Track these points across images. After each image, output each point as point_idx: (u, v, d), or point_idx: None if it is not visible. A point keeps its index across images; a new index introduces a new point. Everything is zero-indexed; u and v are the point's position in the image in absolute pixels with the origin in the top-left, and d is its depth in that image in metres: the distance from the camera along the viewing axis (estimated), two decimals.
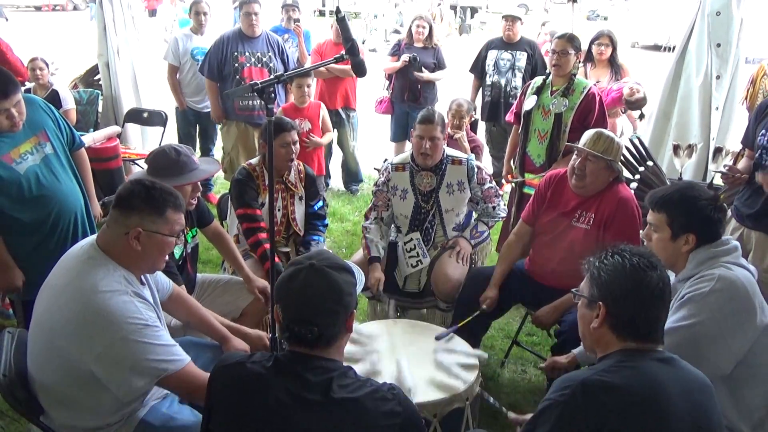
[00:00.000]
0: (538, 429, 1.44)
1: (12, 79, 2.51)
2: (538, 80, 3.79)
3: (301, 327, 1.44)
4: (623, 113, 4.95)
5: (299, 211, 3.30)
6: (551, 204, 2.90)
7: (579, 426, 1.38)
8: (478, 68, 5.34)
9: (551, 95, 3.65)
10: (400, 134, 5.70)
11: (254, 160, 3.26)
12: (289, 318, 1.46)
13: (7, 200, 2.56)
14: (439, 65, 5.43)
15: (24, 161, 2.62)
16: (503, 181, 5.69)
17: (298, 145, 3.22)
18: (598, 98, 3.61)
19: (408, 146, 5.73)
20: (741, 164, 2.97)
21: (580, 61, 3.66)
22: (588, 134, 2.76)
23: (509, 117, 4.07)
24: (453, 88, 6.12)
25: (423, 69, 5.27)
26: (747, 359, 1.87)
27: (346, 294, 1.49)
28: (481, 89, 5.38)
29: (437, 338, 2.50)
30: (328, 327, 1.47)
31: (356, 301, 1.55)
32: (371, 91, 6.01)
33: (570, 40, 3.59)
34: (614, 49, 4.95)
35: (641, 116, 4.70)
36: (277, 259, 2.94)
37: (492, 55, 5.22)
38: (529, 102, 3.70)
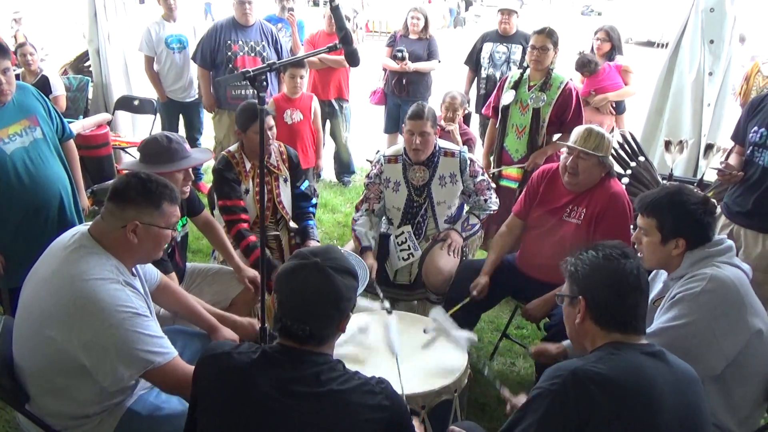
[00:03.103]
0: (528, 417, 1.44)
1: (1, 44, 2.49)
2: (515, 74, 3.80)
3: (293, 323, 1.44)
4: (613, 112, 4.97)
5: (285, 193, 3.27)
6: (543, 199, 2.90)
7: (569, 415, 1.38)
8: (473, 61, 5.33)
9: (529, 90, 3.67)
10: (392, 126, 5.72)
11: (233, 147, 3.23)
12: (283, 312, 1.46)
13: None
14: (431, 56, 5.42)
15: (12, 142, 2.60)
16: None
17: (274, 130, 3.21)
18: (574, 93, 3.64)
19: (401, 138, 5.76)
20: (731, 161, 2.97)
21: (557, 55, 3.67)
22: (578, 131, 2.75)
23: (486, 110, 4.07)
24: (447, 81, 6.10)
25: (407, 59, 5.26)
26: (737, 359, 1.87)
27: (345, 299, 1.47)
28: (476, 82, 5.38)
29: (425, 331, 2.48)
30: (321, 329, 1.46)
31: (354, 305, 1.54)
32: (365, 82, 5.99)
33: (549, 35, 3.60)
34: (613, 46, 4.96)
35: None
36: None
37: (487, 47, 5.20)
38: (507, 97, 3.72)
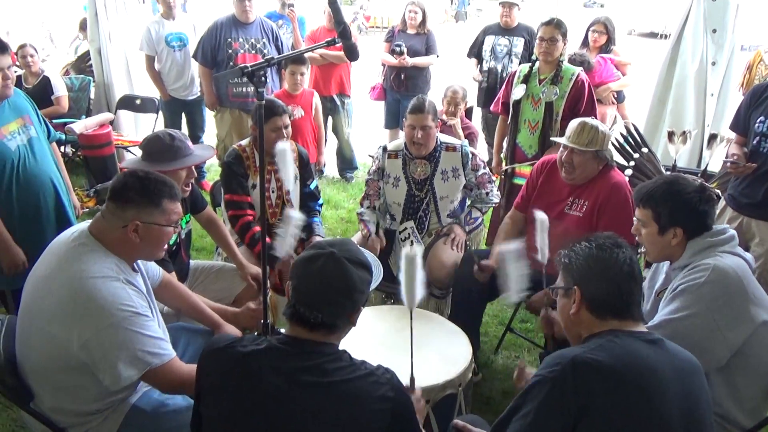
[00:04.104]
0: (527, 405, 1.44)
1: (2, 42, 2.60)
2: (524, 68, 3.73)
3: (306, 309, 1.45)
4: (615, 102, 4.95)
5: (294, 191, 3.27)
6: (543, 191, 2.88)
7: (568, 403, 1.38)
8: (476, 52, 5.31)
9: (540, 84, 3.60)
10: (391, 122, 5.72)
11: (245, 141, 3.22)
12: (296, 298, 1.47)
13: (1, 174, 2.59)
14: (428, 51, 5.41)
15: (13, 139, 2.64)
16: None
17: (290, 129, 3.18)
18: (587, 84, 3.57)
19: (402, 134, 5.75)
20: (731, 150, 2.95)
21: (566, 47, 3.63)
22: (572, 126, 2.72)
23: (495, 107, 4.01)
24: (448, 75, 6.09)
25: (405, 54, 5.25)
26: (742, 350, 1.86)
27: (358, 291, 1.49)
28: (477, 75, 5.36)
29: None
30: (332, 317, 1.47)
31: (366, 299, 1.55)
32: (365, 77, 5.96)
33: (557, 26, 3.53)
34: (609, 38, 4.94)
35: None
36: (269, 241, 2.94)
37: (489, 40, 5.18)
38: (518, 91, 3.65)
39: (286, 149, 2.30)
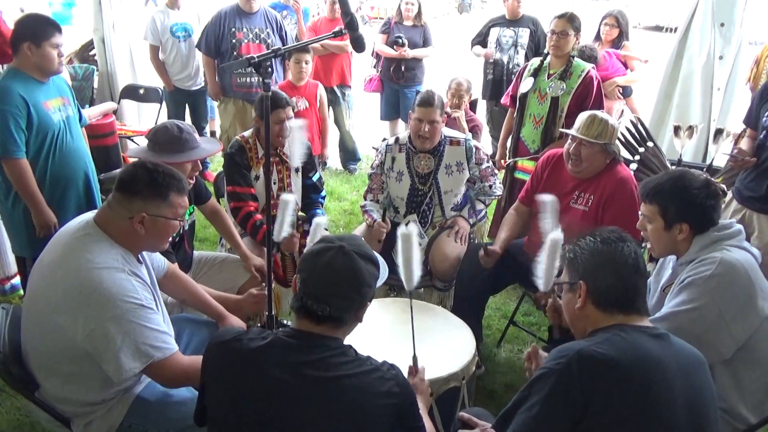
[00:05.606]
0: (533, 396, 1.44)
1: (55, 21, 2.79)
2: (535, 62, 3.67)
3: (313, 302, 1.45)
4: (621, 97, 4.92)
5: (296, 183, 3.26)
6: (548, 184, 2.87)
7: (573, 395, 1.38)
8: (479, 42, 5.26)
9: (548, 78, 3.53)
10: (390, 113, 5.72)
11: (247, 133, 3.20)
12: (304, 291, 1.47)
13: (42, 143, 2.77)
14: (425, 43, 5.42)
15: (54, 114, 2.81)
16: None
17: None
18: (596, 82, 3.48)
19: (400, 125, 5.74)
20: (742, 145, 2.95)
21: (578, 42, 3.58)
22: (582, 118, 2.70)
23: (504, 100, 3.95)
24: (452, 67, 6.06)
25: (406, 45, 5.27)
26: (748, 344, 1.86)
27: (366, 285, 1.49)
28: (482, 67, 5.33)
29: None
30: (340, 310, 1.47)
31: (373, 294, 1.55)
32: (359, 68, 5.90)
33: (570, 20, 3.45)
34: (621, 32, 4.90)
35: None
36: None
37: (494, 32, 5.13)
38: (526, 84, 3.59)
39: (300, 126, 2.40)
